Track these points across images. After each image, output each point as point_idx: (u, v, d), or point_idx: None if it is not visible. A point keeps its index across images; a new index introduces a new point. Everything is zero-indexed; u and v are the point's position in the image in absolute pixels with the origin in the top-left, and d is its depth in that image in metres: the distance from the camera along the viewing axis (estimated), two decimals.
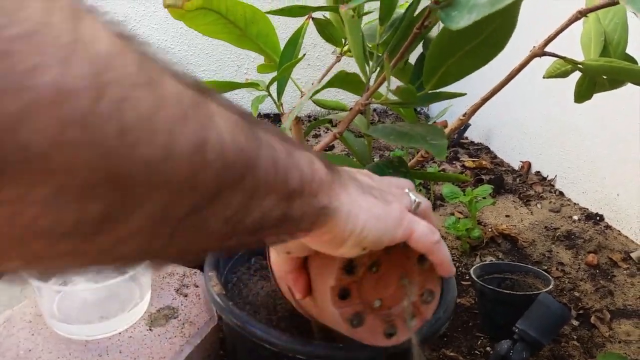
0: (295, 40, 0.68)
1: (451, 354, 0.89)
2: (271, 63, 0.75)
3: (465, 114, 0.65)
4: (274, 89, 0.73)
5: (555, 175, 1.47)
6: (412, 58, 0.62)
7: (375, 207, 0.38)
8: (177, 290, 0.78)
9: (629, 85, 0.63)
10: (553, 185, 1.47)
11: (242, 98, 1.91)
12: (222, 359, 0.78)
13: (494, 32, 0.51)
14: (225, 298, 0.63)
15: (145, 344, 0.69)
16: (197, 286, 0.80)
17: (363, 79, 0.63)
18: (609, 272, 1.13)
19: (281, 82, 0.72)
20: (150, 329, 0.71)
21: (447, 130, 0.67)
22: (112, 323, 0.71)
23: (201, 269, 0.88)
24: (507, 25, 0.52)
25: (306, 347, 0.57)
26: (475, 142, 1.80)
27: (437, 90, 0.60)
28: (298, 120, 0.71)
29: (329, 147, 1.66)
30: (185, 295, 0.78)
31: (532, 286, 0.95)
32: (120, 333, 0.70)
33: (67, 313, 0.72)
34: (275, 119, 1.90)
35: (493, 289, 0.91)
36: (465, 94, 0.58)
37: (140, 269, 0.66)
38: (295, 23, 0.69)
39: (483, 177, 1.50)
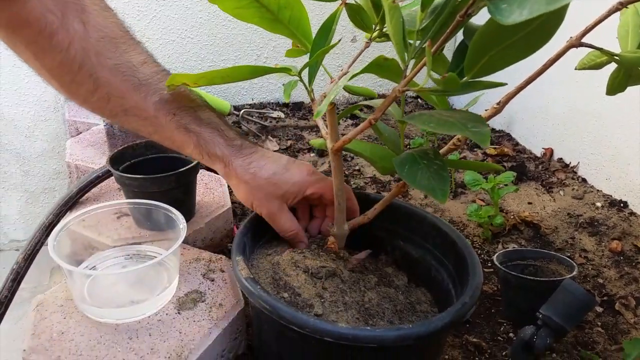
0: (329, 25, 0.68)
1: (474, 340, 0.89)
2: (301, 48, 0.75)
3: (500, 102, 0.65)
4: (304, 75, 0.73)
5: (578, 162, 1.46)
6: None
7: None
8: (204, 275, 0.80)
9: None
10: (576, 172, 1.46)
11: (262, 79, 1.92)
12: (249, 342, 0.80)
13: (541, 25, 0.50)
14: (253, 281, 0.64)
15: (174, 326, 0.70)
16: (223, 271, 0.81)
17: (401, 65, 0.63)
18: (634, 258, 1.12)
19: (313, 68, 0.72)
20: (178, 312, 0.72)
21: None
22: (141, 307, 0.72)
23: (226, 254, 0.89)
24: (555, 19, 0.51)
25: (334, 330, 0.58)
26: (497, 129, 1.78)
27: (478, 80, 0.60)
28: (332, 106, 0.71)
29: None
30: (212, 280, 0.79)
31: (556, 272, 0.95)
32: (149, 317, 0.72)
33: (97, 297, 0.74)
34: (295, 107, 1.91)
35: (516, 275, 0.91)
36: (506, 84, 0.58)
37: (167, 254, 0.68)
38: (323, 9, 0.69)
39: (505, 164, 1.49)
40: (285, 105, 1.94)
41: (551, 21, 0.52)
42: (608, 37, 0.65)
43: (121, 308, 0.72)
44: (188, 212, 0.93)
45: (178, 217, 0.77)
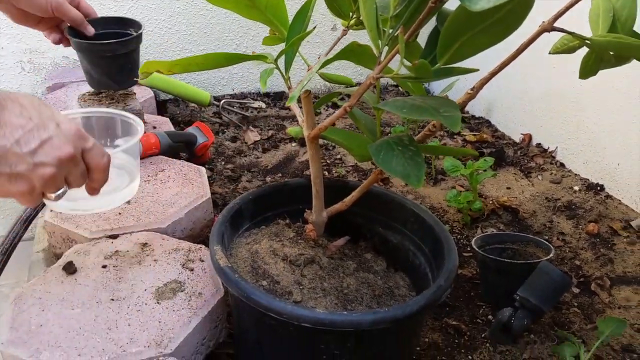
0: (305, 12, 0.68)
1: (454, 322, 0.91)
2: (278, 35, 0.75)
3: (474, 87, 0.65)
4: (281, 63, 0.73)
5: (556, 147, 1.48)
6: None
7: None
8: (183, 264, 0.80)
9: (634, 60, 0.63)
10: (554, 157, 1.48)
11: (243, 69, 1.91)
12: (229, 330, 0.80)
13: (511, 11, 0.51)
14: (231, 270, 0.64)
15: (153, 316, 0.70)
16: (202, 260, 0.81)
17: (375, 52, 0.63)
18: (609, 240, 1.14)
19: (289, 55, 0.72)
20: (158, 302, 0.72)
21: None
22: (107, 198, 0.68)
23: (206, 244, 0.89)
24: (523, 5, 0.51)
25: (311, 315, 0.58)
26: (476, 116, 1.79)
27: (450, 66, 0.60)
28: (308, 93, 0.71)
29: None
30: (192, 270, 0.79)
31: (533, 255, 0.96)
32: (128, 306, 0.72)
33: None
34: (276, 97, 1.90)
35: (494, 258, 0.92)
36: (478, 69, 0.58)
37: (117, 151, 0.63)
38: None
39: (484, 150, 1.50)
40: (267, 95, 1.93)
41: (520, 7, 0.53)
42: (581, 21, 0.66)
43: (88, 200, 0.64)
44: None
45: (136, 120, 0.72)
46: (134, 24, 1.15)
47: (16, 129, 0.48)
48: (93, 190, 0.58)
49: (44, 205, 0.95)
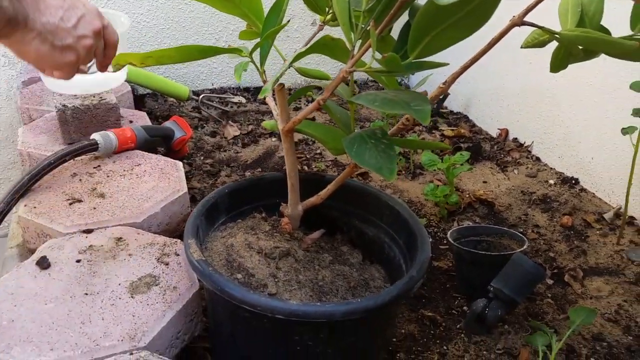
0: (280, 5, 0.68)
1: (429, 314, 0.92)
2: (254, 29, 0.75)
3: (445, 82, 0.66)
4: (256, 57, 0.73)
5: (532, 142, 1.50)
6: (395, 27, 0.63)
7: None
8: (158, 259, 0.79)
9: (603, 55, 0.64)
10: (530, 151, 1.50)
11: (222, 63, 1.90)
12: (205, 324, 0.80)
13: (480, 5, 0.52)
14: (204, 263, 0.64)
15: (127, 310, 0.70)
16: (177, 255, 0.81)
17: (348, 45, 0.63)
18: (583, 232, 1.16)
19: (264, 49, 0.71)
20: (132, 297, 0.72)
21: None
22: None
23: (183, 238, 0.89)
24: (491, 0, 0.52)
25: (284, 307, 0.59)
26: (455, 111, 1.81)
27: (421, 60, 0.60)
28: (282, 87, 0.71)
29: (311, 119, 1.66)
30: (167, 264, 0.79)
31: (507, 247, 0.98)
32: (102, 301, 0.71)
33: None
34: (256, 92, 1.89)
35: (469, 250, 0.93)
36: (448, 63, 0.59)
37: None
38: None
39: (462, 145, 1.52)
40: (246, 90, 1.92)
41: (488, 1, 0.54)
42: (552, 15, 0.67)
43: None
44: None
45: (123, 15, 0.74)
46: None
47: (57, 9, 0.57)
48: (104, 68, 0.68)
49: (17, 200, 0.94)
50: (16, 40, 0.55)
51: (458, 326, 0.90)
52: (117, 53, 0.68)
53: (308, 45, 0.67)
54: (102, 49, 0.65)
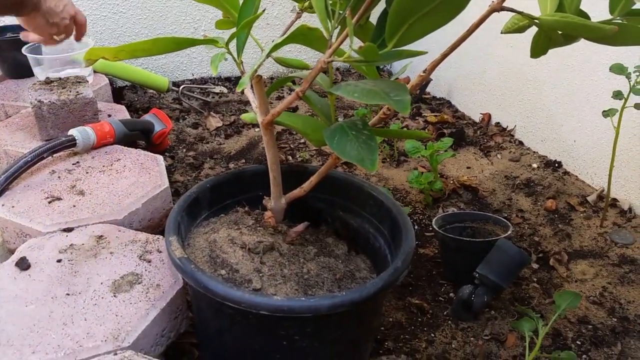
0: None
1: (416, 301, 0.92)
2: (230, 19, 0.73)
3: (426, 70, 0.65)
4: (233, 47, 0.71)
5: (515, 126, 1.50)
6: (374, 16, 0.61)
7: None
8: (140, 256, 0.78)
9: (582, 39, 0.64)
10: (513, 136, 1.50)
11: (202, 53, 1.87)
12: (191, 319, 0.79)
13: None
14: (187, 261, 0.63)
15: (110, 310, 0.69)
16: (160, 252, 0.80)
17: (325, 35, 0.62)
18: (567, 216, 1.17)
19: (241, 39, 0.70)
20: (114, 296, 0.71)
21: (408, 87, 0.67)
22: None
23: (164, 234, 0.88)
24: None
25: (269, 302, 0.58)
26: (437, 97, 1.80)
27: (399, 49, 0.59)
28: (260, 78, 0.70)
29: (293, 109, 1.65)
30: (149, 261, 0.78)
31: (492, 233, 0.98)
32: (84, 301, 0.70)
33: None
34: (237, 82, 1.87)
35: (453, 237, 0.94)
36: (427, 52, 0.58)
37: None
38: None
39: (445, 131, 1.52)
40: (228, 80, 1.90)
41: None
42: (532, 1, 0.67)
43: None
44: None
45: None
46: None
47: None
48: (79, 37, 0.99)
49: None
50: (29, 16, 0.86)
51: (445, 313, 0.91)
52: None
53: (285, 35, 0.65)
54: (73, 27, 0.95)
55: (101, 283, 0.73)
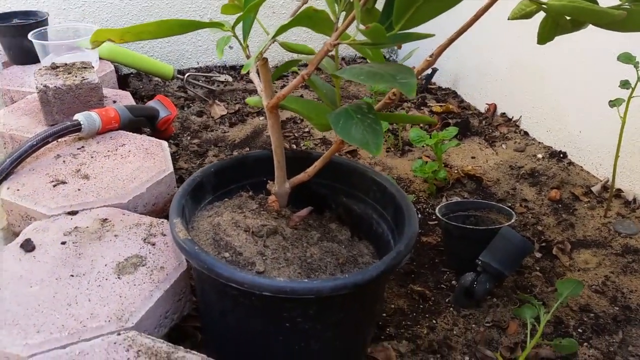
0: None
1: (418, 288, 0.92)
2: (236, 3, 0.73)
3: (432, 55, 0.65)
4: (239, 33, 0.71)
5: (520, 116, 1.49)
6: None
7: None
8: (145, 239, 0.79)
9: (590, 27, 0.63)
10: (518, 126, 1.50)
11: (207, 41, 1.87)
12: (195, 303, 0.80)
13: None
14: (191, 242, 0.64)
15: (114, 291, 0.69)
16: (164, 235, 0.80)
17: (332, 17, 0.62)
18: (571, 206, 1.17)
19: (247, 22, 0.70)
20: (119, 277, 0.72)
21: (414, 72, 0.67)
22: None
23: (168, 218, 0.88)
24: None
25: (272, 284, 0.58)
26: (443, 87, 1.80)
27: (407, 31, 0.59)
28: (265, 61, 0.70)
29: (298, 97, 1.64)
30: (153, 244, 0.78)
31: (495, 221, 0.98)
32: (88, 282, 0.71)
33: None
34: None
35: (457, 225, 0.94)
36: (434, 35, 0.58)
37: None
38: None
39: (450, 121, 1.51)
40: (233, 68, 1.90)
41: None
42: None
43: None
44: None
45: None
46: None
47: None
48: None
49: (0, 182, 0.92)
50: None
51: (447, 300, 0.91)
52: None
53: (291, 18, 0.65)
54: None
55: (105, 265, 0.74)
